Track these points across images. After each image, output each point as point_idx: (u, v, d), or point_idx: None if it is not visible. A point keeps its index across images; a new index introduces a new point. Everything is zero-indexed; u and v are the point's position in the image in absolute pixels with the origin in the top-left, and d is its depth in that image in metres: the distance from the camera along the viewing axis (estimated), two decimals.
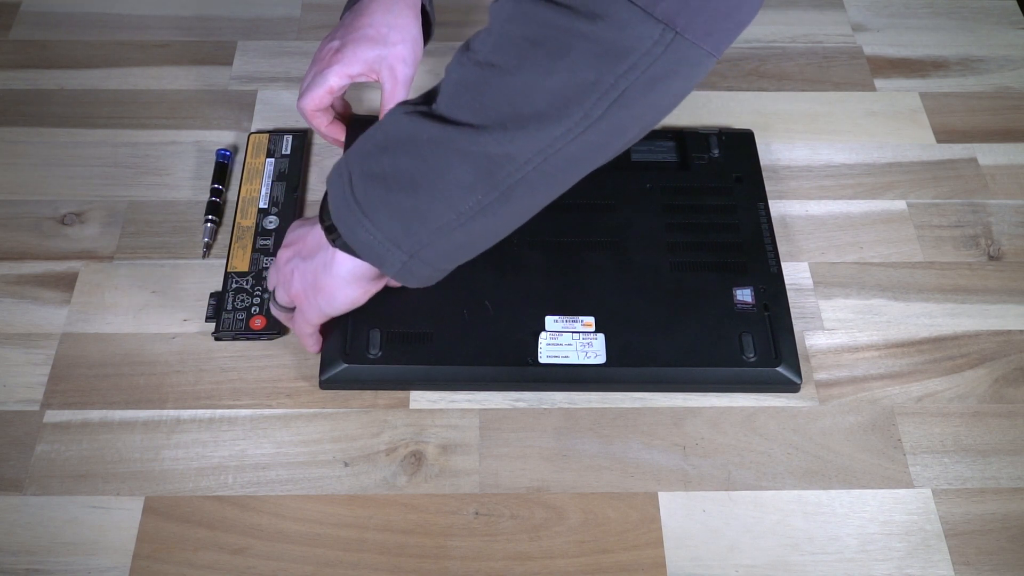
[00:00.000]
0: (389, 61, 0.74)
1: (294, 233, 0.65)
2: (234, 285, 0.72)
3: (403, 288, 0.69)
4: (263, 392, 0.68)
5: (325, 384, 0.68)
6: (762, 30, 0.94)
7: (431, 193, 0.54)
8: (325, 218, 0.59)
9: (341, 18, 0.78)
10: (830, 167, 0.83)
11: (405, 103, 0.56)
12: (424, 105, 0.55)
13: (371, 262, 0.58)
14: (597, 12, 0.47)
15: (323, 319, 0.65)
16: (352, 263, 0.60)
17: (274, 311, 0.68)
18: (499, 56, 0.51)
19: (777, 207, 0.79)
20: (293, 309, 0.66)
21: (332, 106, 0.80)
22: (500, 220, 0.56)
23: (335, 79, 0.73)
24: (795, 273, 0.76)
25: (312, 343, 0.68)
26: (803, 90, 0.89)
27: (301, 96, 0.75)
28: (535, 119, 0.50)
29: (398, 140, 0.55)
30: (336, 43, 0.74)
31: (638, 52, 0.47)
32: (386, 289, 0.70)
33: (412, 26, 0.74)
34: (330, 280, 0.61)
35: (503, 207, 0.54)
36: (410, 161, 0.54)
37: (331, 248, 0.60)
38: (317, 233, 0.61)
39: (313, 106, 0.75)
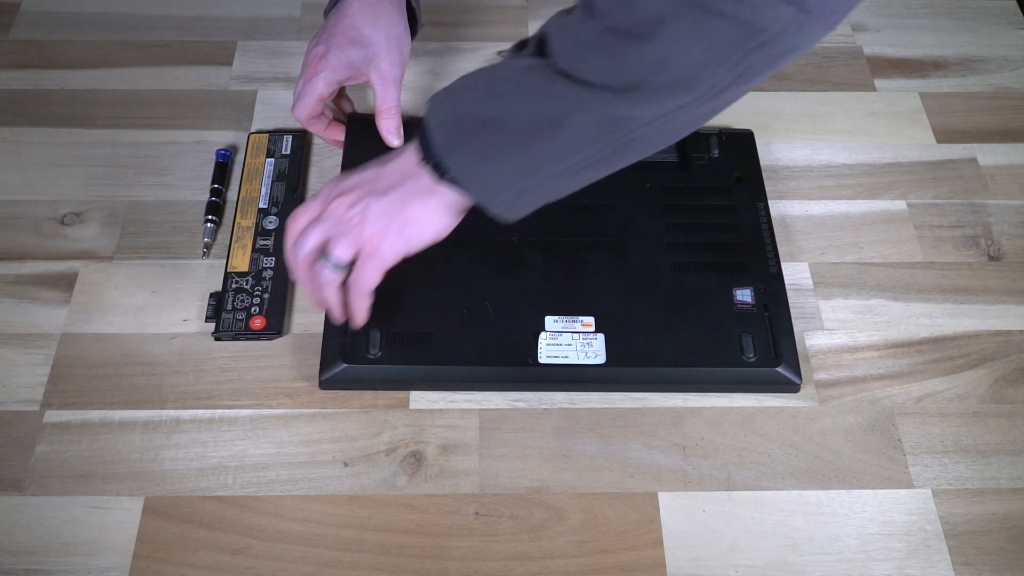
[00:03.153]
0: (376, 63, 0.74)
1: (350, 180, 0.62)
2: (234, 285, 0.72)
3: (403, 288, 0.70)
4: (263, 392, 0.68)
5: (325, 384, 0.68)
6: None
7: (550, 143, 0.55)
8: (430, 157, 0.58)
9: (325, 17, 0.77)
10: (830, 167, 0.83)
11: (515, 53, 0.59)
12: (539, 57, 0.56)
13: (480, 200, 0.59)
14: None
15: (398, 259, 0.61)
16: (453, 196, 0.59)
17: (326, 280, 0.62)
18: (639, 26, 0.52)
19: (777, 207, 0.79)
20: (348, 271, 0.62)
21: (333, 104, 0.80)
22: (604, 170, 0.59)
23: (323, 86, 0.74)
24: (795, 273, 0.76)
25: (364, 310, 0.63)
26: (803, 90, 0.89)
27: (294, 106, 0.75)
28: (667, 87, 0.53)
29: (518, 88, 0.56)
30: (321, 48, 0.74)
31: (771, 31, 0.50)
32: (386, 289, 0.70)
33: (397, 24, 0.74)
34: (425, 210, 0.60)
35: (613, 160, 0.58)
36: (532, 110, 0.55)
37: (427, 181, 0.59)
38: (400, 169, 0.60)
39: (307, 114, 0.75)
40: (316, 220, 0.61)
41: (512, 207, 0.59)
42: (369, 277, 0.61)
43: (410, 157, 0.60)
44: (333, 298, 0.63)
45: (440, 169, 0.58)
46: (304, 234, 0.61)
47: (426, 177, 0.59)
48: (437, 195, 0.59)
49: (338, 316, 0.65)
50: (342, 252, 0.60)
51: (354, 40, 0.73)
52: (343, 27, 0.74)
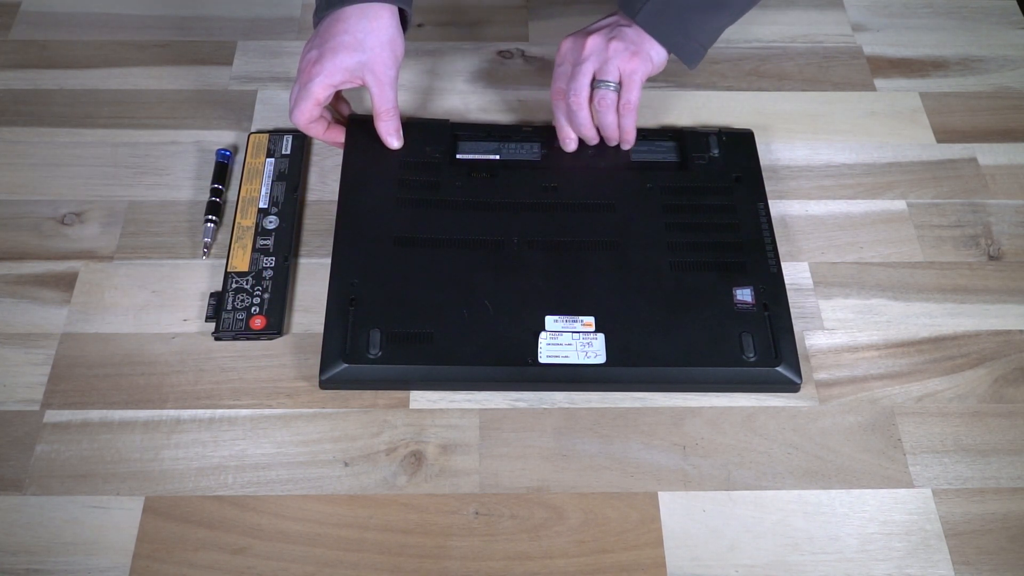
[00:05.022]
0: (370, 66, 0.74)
1: (592, 26, 0.78)
2: (234, 285, 0.72)
3: (403, 288, 0.70)
4: (263, 392, 0.68)
5: (325, 384, 0.68)
6: (762, 30, 0.94)
7: (734, 10, 0.79)
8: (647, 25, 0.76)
9: (315, 25, 0.77)
10: (830, 167, 0.83)
11: None
12: None
13: (681, 56, 0.78)
14: None
15: (646, 79, 0.77)
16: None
17: (610, 101, 0.76)
18: None
19: (777, 207, 0.79)
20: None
21: (331, 108, 0.80)
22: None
23: (319, 90, 0.74)
24: (795, 273, 0.76)
25: (634, 128, 0.79)
26: (803, 90, 0.89)
27: (291, 112, 0.75)
28: None
29: None
30: (315, 53, 0.74)
31: None
32: (386, 288, 0.70)
33: (389, 27, 0.75)
34: (652, 40, 0.77)
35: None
36: None
37: (640, 32, 0.76)
38: (620, 20, 0.77)
39: (305, 119, 0.75)
40: (578, 61, 0.76)
41: (693, 59, 0.79)
42: (635, 94, 0.76)
43: (624, 17, 0.77)
44: (614, 118, 0.77)
45: (653, 31, 0.76)
46: (576, 73, 0.76)
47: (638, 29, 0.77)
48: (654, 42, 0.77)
49: (614, 136, 0.79)
50: (613, 75, 0.75)
51: (348, 45, 0.73)
52: (336, 31, 0.74)
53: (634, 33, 0.76)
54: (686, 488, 0.65)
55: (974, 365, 0.71)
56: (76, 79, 0.87)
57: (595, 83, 0.76)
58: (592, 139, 0.79)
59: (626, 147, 0.80)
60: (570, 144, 0.80)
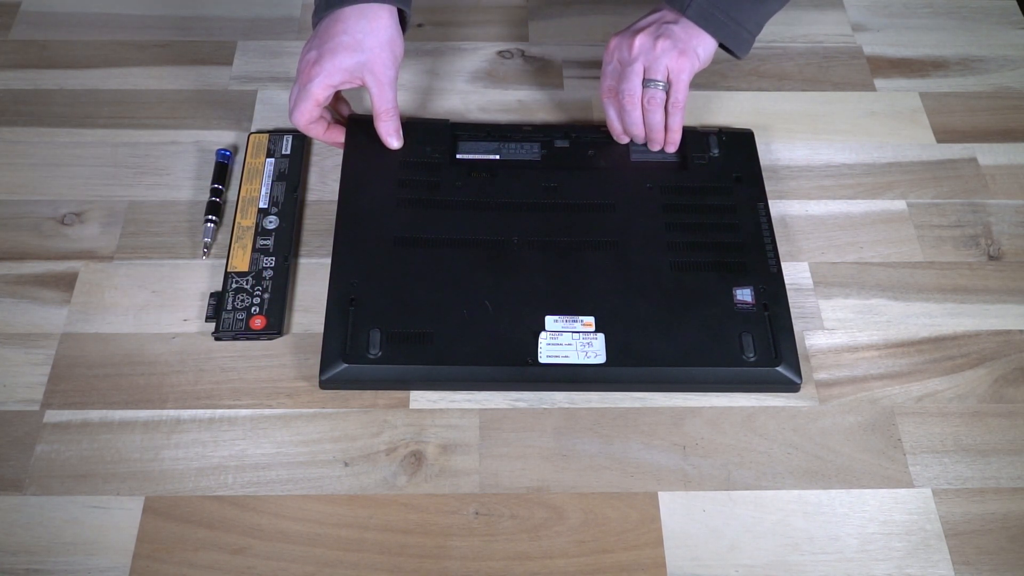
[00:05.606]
0: (369, 66, 0.74)
1: (636, 24, 0.77)
2: (234, 285, 0.72)
3: (403, 287, 0.70)
4: (263, 392, 0.68)
5: (325, 384, 0.68)
6: (762, 30, 0.94)
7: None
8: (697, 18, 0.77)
9: (314, 26, 0.77)
10: (830, 167, 0.83)
11: None
12: None
13: (733, 46, 0.78)
14: None
15: (693, 75, 0.77)
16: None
17: (659, 100, 0.77)
18: None
19: (777, 207, 0.79)
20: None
21: (331, 108, 0.80)
22: None
23: (319, 91, 0.74)
24: (795, 273, 0.76)
25: (681, 127, 0.80)
26: (803, 90, 0.89)
27: (291, 112, 0.75)
28: None
29: None
30: (314, 54, 0.74)
31: None
32: (386, 288, 0.70)
33: (388, 27, 0.75)
34: (699, 36, 0.76)
35: None
36: None
37: (693, 27, 0.76)
38: (667, 16, 0.77)
39: (305, 120, 0.76)
40: (627, 61, 0.76)
41: (743, 44, 0.79)
42: (683, 93, 0.77)
43: (671, 12, 0.77)
44: (662, 117, 0.78)
45: (705, 24, 0.76)
46: (628, 73, 0.76)
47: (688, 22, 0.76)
48: (706, 38, 0.77)
49: (659, 138, 0.79)
50: (661, 74, 0.76)
51: (347, 45, 0.73)
52: (335, 32, 0.74)
53: (681, 30, 0.76)
54: (686, 488, 0.65)
55: (974, 365, 0.71)
56: (76, 79, 0.87)
57: (644, 82, 0.76)
58: (641, 137, 0.80)
59: (671, 148, 0.80)
60: (623, 139, 0.81)
